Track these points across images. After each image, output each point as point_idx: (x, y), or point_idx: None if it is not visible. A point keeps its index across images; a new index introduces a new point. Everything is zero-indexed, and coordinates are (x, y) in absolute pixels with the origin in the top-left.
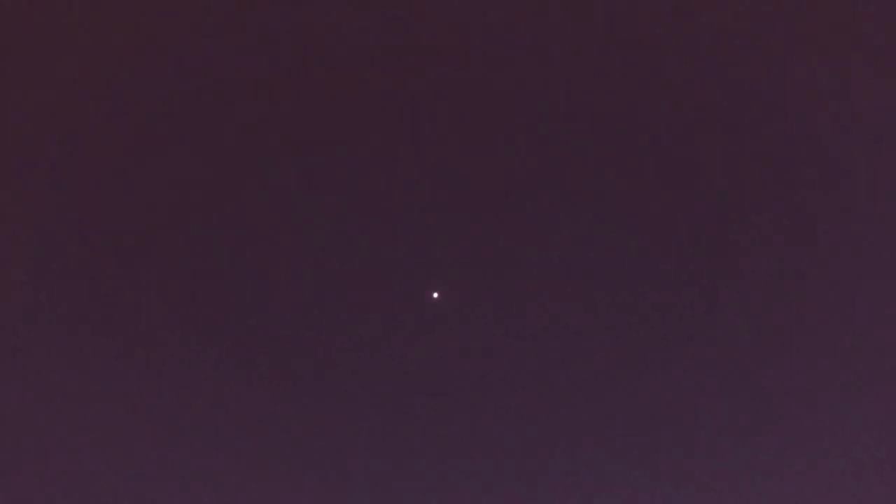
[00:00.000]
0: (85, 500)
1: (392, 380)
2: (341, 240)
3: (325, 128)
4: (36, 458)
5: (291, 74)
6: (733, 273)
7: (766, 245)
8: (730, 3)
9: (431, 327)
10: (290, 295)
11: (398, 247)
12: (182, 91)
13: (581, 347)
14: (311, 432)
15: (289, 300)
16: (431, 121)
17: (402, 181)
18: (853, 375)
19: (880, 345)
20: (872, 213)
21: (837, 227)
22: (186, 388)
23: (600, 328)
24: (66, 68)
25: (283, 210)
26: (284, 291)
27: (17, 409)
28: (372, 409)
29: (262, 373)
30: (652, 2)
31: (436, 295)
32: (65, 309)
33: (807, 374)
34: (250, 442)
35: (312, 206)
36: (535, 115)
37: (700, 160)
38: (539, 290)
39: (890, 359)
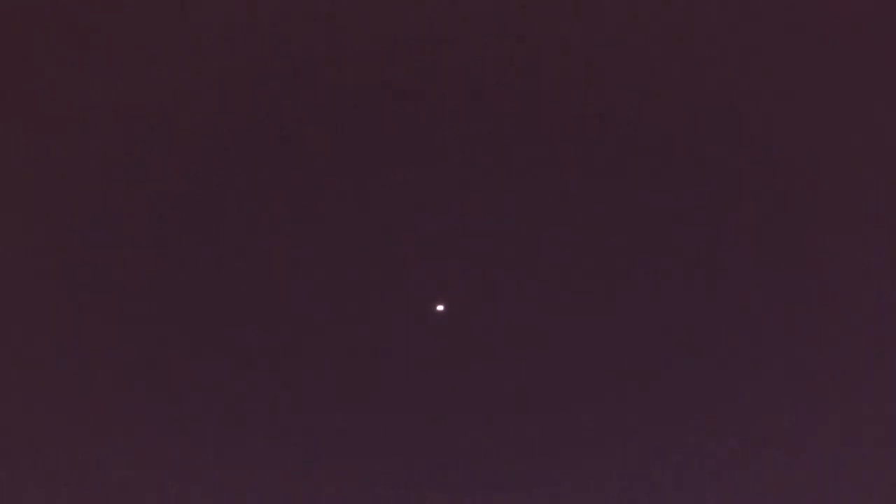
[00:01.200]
0: (83, 500)
1: (395, 392)
2: (344, 249)
3: (329, 133)
4: (34, 457)
5: (295, 75)
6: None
7: (768, 246)
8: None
9: (435, 339)
10: (291, 305)
11: (402, 258)
12: (183, 92)
13: (587, 358)
14: (310, 441)
15: (289, 310)
16: (439, 127)
17: (406, 190)
18: (853, 374)
19: (883, 344)
20: (873, 215)
21: (837, 232)
22: (191, 402)
23: (607, 339)
24: (66, 68)
25: (285, 218)
26: (285, 301)
27: (14, 407)
28: (374, 421)
29: (263, 383)
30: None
31: (440, 307)
32: (61, 308)
33: (807, 375)
34: (251, 449)
35: (315, 213)
36: (538, 121)
37: (716, 168)
38: (545, 301)
39: (890, 359)
